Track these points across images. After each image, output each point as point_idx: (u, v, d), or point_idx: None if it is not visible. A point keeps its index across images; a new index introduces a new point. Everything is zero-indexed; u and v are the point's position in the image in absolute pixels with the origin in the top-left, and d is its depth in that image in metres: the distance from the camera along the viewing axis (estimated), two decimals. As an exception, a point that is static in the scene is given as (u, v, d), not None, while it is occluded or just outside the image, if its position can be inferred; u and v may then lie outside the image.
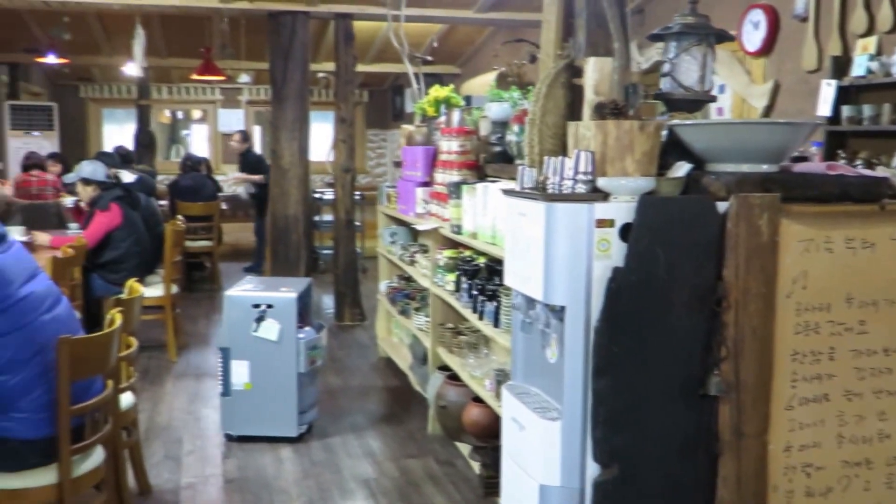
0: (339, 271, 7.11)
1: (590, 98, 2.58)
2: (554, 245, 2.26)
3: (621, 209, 2.26)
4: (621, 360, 2.22)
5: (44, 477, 2.78)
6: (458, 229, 4.17)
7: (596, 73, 2.57)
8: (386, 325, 6.17)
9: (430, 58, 6.02)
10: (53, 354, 2.68)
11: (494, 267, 3.92)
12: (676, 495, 2.32)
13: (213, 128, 14.08)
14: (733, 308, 2.26)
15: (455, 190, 4.16)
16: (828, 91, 5.14)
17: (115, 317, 3.13)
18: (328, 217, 9.05)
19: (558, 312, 2.35)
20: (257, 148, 14.51)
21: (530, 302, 2.46)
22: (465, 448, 4.20)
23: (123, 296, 3.69)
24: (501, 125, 4.17)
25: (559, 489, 2.33)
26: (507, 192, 2.57)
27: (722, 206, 2.28)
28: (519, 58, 7.82)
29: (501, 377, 3.67)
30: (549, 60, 2.79)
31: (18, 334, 2.62)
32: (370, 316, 7.23)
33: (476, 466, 3.98)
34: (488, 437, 3.96)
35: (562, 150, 2.72)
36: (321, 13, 6.69)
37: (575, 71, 2.74)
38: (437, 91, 5.14)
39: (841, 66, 5.14)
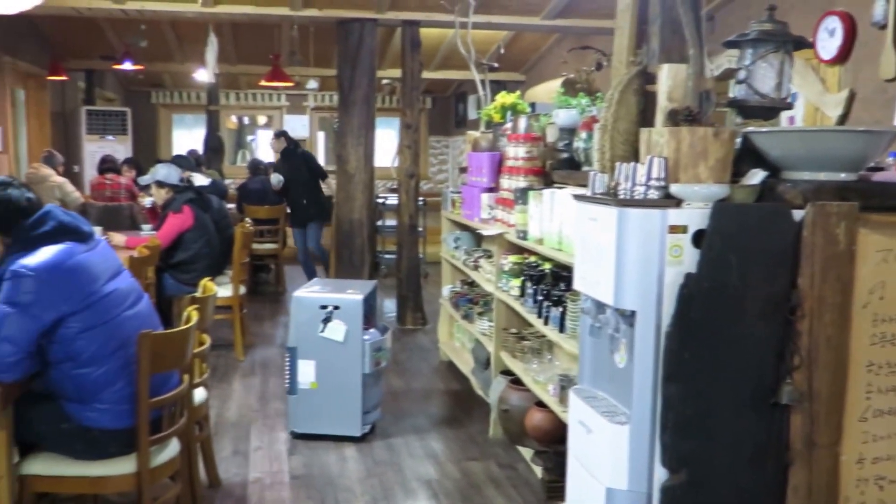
0: (401, 275, 7.18)
1: (663, 104, 2.58)
2: (625, 250, 2.28)
3: (694, 215, 2.27)
4: (692, 366, 2.22)
5: (123, 466, 2.89)
6: (523, 235, 4.19)
7: (670, 80, 2.58)
8: (448, 329, 6.22)
9: (496, 64, 6.06)
10: (134, 349, 2.79)
11: (560, 273, 3.94)
12: (745, 503, 2.31)
13: (278, 133, 14.35)
14: (808, 317, 2.25)
15: (521, 196, 4.19)
16: (906, 100, 5.02)
17: (191, 314, 3.24)
18: (390, 222, 9.15)
19: (628, 317, 2.37)
20: (320, 153, 14.77)
21: (600, 306, 2.47)
22: (526, 452, 4.22)
23: (198, 294, 3.81)
24: (569, 132, 4.19)
25: (626, 493, 2.33)
26: (579, 198, 2.60)
27: (798, 215, 2.26)
28: (586, 65, 7.81)
29: (566, 382, 3.68)
30: (622, 67, 2.80)
31: (103, 328, 2.74)
32: (431, 320, 7.30)
33: (538, 470, 4.00)
34: (551, 441, 3.97)
35: (633, 156, 2.73)
36: (389, 20, 6.79)
37: (647, 77, 2.75)
38: (504, 97, 5.17)
39: (920, 74, 5.01)
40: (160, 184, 6.04)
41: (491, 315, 4.87)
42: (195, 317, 3.22)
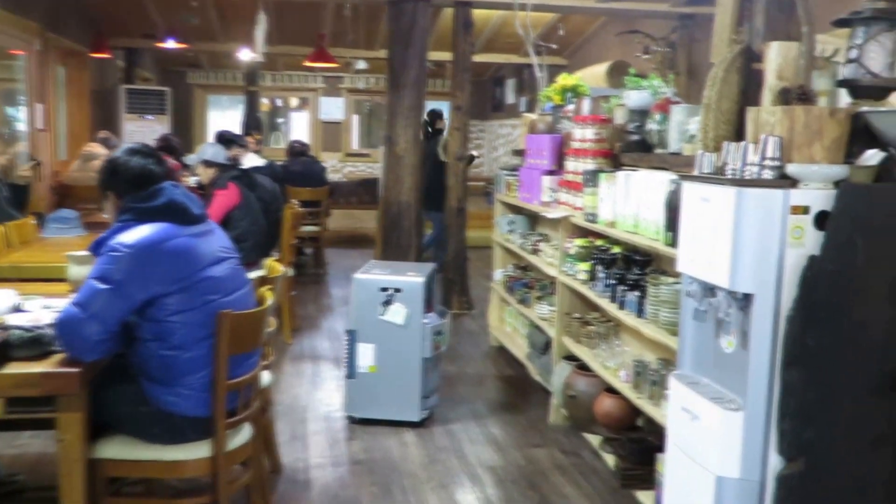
0: (448, 259, 7.11)
1: (772, 83, 2.48)
2: (743, 231, 2.19)
3: (817, 196, 2.17)
4: (814, 351, 2.13)
5: (199, 450, 2.82)
6: (593, 218, 4.10)
7: (780, 58, 2.47)
8: (498, 313, 6.14)
9: (555, 45, 5.95)
10: (225, 338, 2.73)
11: (632, 256, 3.85)
12: (862, 492, 2.22)
13: (314, 115, 14.30)
14: (933, 302, 2.15)
15: (591, 178, 4.10)
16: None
17: (266, 294, 3.18)
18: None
19: (741, 301, 2.28)
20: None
21: (707, 290, 2.39)
22: (593, 439, 4.15)
23: (266, 274, 3.75)
24: (640, 114, 4.09)
25: (738, 481, 2.25)
26: (686, 177, 2.50)
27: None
28: (633, 50, 7.69)
29: (640, 368, 3.61)
30: (723, 45, 2.70)
31: (196, 313, 2.67)
32: (476, 304, 7.23)
33: (607, 458, 3.92)
34: (621, 428, 3.90)
35: (733, 136, 2.63)
36: (442, 1, 6.68)
37: (752, 56, 2.65)
38: (565, 79, 5.08)
39: None
40: (208, 163, 5.98)
41: (551, 299, 4.80)
42: (270, 297, 3.17)
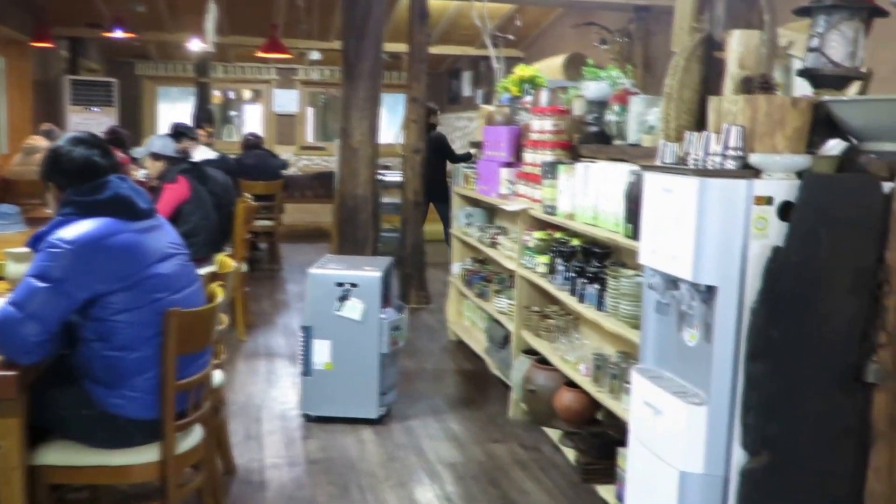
0: (406, 253, 7.03)
1: (734, 72, 2.45)
2: (706, 222, 2.14)
3: (781, 187, 2.14)
4: (778, 344, 2.10)
5: (147, 454, 2.71)
6: (552, 210, 4.06)
7: (741, 47, 2.44)
8: (457, 307, 6.08)
9: (512, 37, 5.88)
10: (171, 337, 2.62)
11: (591, 249, 3.81)
12: (826, 485, 2.21)
13: (267, 108, 14.08)
14: (895, 292, 2.13)
15: (550, 170, 4.05)
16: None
17: (216, 291, 3.07)
18: (387, 199, 8.98)
19: (704, 293, 2.24)
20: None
21: (671, 282, 2.34)
22: (553, 433, 4.10)
23: (217, 270, 3.64)
24: (599, 105, 4.05)
25: (702, 476, 2.22)
26: (649, 168, 2.46)
27: (886, 187, 2.14)
28: (588, 42, 7.68)
29: (601, 361, 3.57)
30: (684, 34, 2.66)
31: (142, 312, 2.55)
32: (435, 299, 7.16)
33: (568, 452, 3.88)
34: (581, 422, 3.87)
35: (696, 126, 2.60)
36: (397, -9, 6.57)
37: (713, 44, 2.62)
38: (523, 70, 5.02)
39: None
40: (156, 156, 5.80)
41: (510, 293, 4.75)
42: (220, 293, 3.06)
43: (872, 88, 5.94)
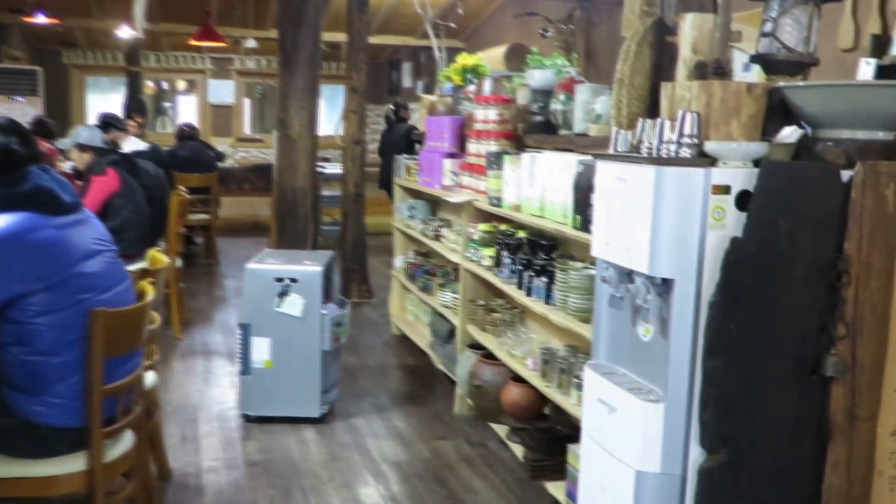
0: (347, 247, 6.87)
1: (687, 57, 2.38)
2: (662, 212, 2.07)
3: (738, 175, 2.07)
4: (737, 338, 2.04)
5: (73, 464, 2.56)
6: (497, 201, 3.97)
7: (695, 31, 2.37)
8: (400, 302, 5.96)
9: (453, 25, 5.77)
10: (98, 339, 2.45)
11: (537, 241, 3.73)
12: (784, 481, 2.16)
13: (202, 99, 13.71)
14: (853, 284, 2.09)
15: (495, 160, 3.95)
16: (867, 70, 4.98)
17: (147, 288, 2.90)
18: (327, 192, 8.81)
19: (660, 286, 2.16)
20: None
21: (625, 275, 2.27)
22: (500, 429, 4.02)
23: (148, 266, 3.46)
24: (544, 94, 3.97)
25: (659, 476, 2.15)
26: (601, 156, 2.37)
27: (845, 175, 2.10)
28: (529, 32, 7.60)
29: (548, 356, 3.50)
30: (635, 17, 2.58)
31: (65, 314, 2.38)
32: (378, 293, 7.02)
33: (515, 448, 3.80)
34: (529, 417, 3.79)
35: (648, 113, 2.52)
36: (335, -23, 6.41)
37: (665, 29, 2.55)
38: (465, 59, 4.92)
39: (881, 44, 4.99)
40: (82, 147, 5.53)
41: (455, 286, 4.65)
42: (151, 291, 2.89)
43: (813, 77, 6.00)
